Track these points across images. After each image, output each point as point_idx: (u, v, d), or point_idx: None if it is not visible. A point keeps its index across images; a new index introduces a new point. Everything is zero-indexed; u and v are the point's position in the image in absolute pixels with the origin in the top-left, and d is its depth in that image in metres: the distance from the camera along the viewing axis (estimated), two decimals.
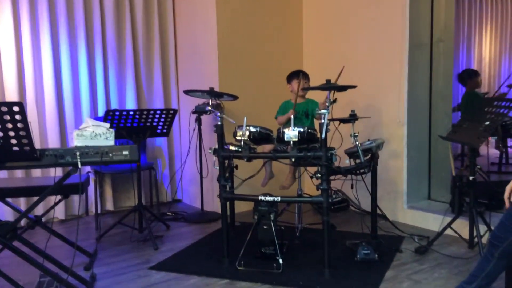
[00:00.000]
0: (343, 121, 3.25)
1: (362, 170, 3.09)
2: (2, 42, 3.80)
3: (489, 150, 5.49)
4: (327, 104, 2.76)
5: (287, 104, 3.49)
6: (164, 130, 3.56)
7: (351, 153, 3.11)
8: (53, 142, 4.01)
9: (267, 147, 3.28)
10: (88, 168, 4.02)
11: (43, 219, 3.03)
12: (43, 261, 2.41)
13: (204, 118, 4.12)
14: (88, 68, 4.18)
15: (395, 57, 3.77)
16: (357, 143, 3.02)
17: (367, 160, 3.07)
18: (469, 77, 5.10)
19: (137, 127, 3.38)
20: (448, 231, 3.14)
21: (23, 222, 3.16)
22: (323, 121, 2.59)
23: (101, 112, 4.26)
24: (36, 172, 3.99)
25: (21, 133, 2.12)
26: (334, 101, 2.90)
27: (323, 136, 2.58)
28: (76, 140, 2.36)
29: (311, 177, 2.88)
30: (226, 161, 2.96)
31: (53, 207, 2.95)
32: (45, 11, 3.92)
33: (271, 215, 2.77)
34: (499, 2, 8.00)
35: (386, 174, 3.87)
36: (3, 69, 3.82)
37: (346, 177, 3.19)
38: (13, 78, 3.84)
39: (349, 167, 3.11)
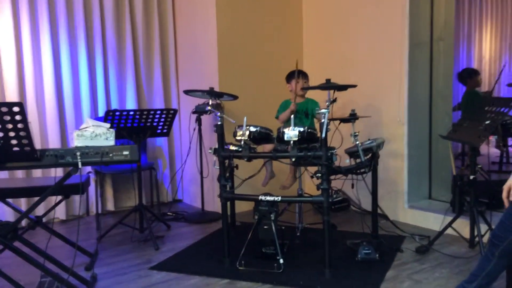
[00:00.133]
0: (343, 120, 3.25)
1: (362, 170, 3.09)
2: (2, 43, 3.80)
3: (490, 149, 5.49)
4: (327, 103, 2.76)
5: (287, 103, 3.49)
6: (165, 130, 3.56)
7: (352, 153, 3.10)
8: (53, 142, 4.01)
9: (267, 147, 3.28)
10: (88, 168, 4.02)
11: (44, 220, 3.03)
12: (44, 262, 2.41)
13: (204, 118, 4.12)
14: (88, 68, 4.18)
15: (395, 56, 3.77)
16: (357, 142, 3.02)
17: (367, 159, 3.06)
18: (469, 76, 5.10)
19: (137, 127, 3.38)
20: (449, 231, 3.14)
21: (24, 223, 3.16)
22: (323, 120, 2.59)
23: (101, 112, 4.26)
24: (37, 173, 3.99)
25: (21, 133, 2.12)
26: (334, 100, 2.90)
27: (323, 135, 2.58)
28: (77, 140, 2.36)
29: (312, 177, 2.88)
30: (227, 161, 2.96)
31: (53, 207, 2.95)
32: (45, 11, 3.92)
33: (271, 215, 2.77)
34: (499, 1, 7.99)
35: (387, 174, 3.87)
36: (3, 70, 3.82)
37: (346, 176, 3.19)
38: (13, 79, 3.84)
39: (349, 166, 3.11)
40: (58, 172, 3.23)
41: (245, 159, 2.82)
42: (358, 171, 3.11)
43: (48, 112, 4.00)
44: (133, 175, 4.03)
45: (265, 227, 2.80)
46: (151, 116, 3.38)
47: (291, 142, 2.66)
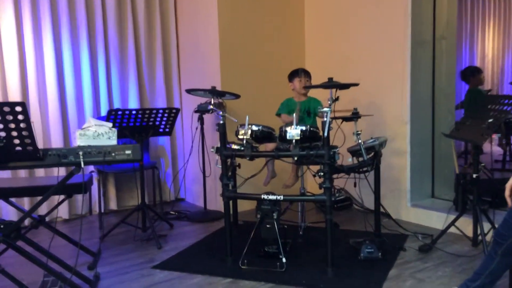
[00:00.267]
0: (345, 119, 3.24)
1: (365, 168, 3.08)
2: (5, 42, 3.81)
3: (493, 147, 5.48)
4: (329, 102, 2.76)
5: (289, 102, 3.49)
6: (167, 129, 3.56)
7: (354, 151, 3.10)
8: (56, 142, 4.02)
9: (269, 146, 3.28)
10: (91, 168, 4.03)
11: (47, 219, 3.05)
12: (47, 261, 2.42)
13: (206, 117, 4.12)
14: (90, 68, 4.19)
15: (397, 54, 3.76)
16: (360, 141, 3.01)
17: (370, 158, 3.05)
18: (472, 74, 5.09)
19: (139, 126, 3.38)
20: (452, 229, 3.13)
21: (26, 222, 3.18)
22: (325, 119, 2.58)
23: (103, 111, 4.27)
24: (40, 172, 4.00)
25: (24, 133, 2.12)
26: (336, 99, 2.89)
27: (326, 134, 2.58)
28: (79, 140, 2.36)
29: (314, 176, 2.88)
30: (229, 160, 2.95)
31: (56, 206, 2.96)
32: (47, 10, 3.93)
33: (274, 214, 2.77)
34: None
35: (389, 172, 3.86)
36: (6, 69, 3.83)
37: (349, 175, 3.18)
38: (15, 78, 3.84)
39: (352, 165, 3.10)
40: (61, 172, 3.24)
41: (247, 158, 2.82)
42: (361, 170, 3.10)
43: (51, 111, 4.01)
44: (136, 174, 4.03)
45: (267, 226, 2.80)
46: (153, 115, 3.38)
47: (293, 141, 2.66)
